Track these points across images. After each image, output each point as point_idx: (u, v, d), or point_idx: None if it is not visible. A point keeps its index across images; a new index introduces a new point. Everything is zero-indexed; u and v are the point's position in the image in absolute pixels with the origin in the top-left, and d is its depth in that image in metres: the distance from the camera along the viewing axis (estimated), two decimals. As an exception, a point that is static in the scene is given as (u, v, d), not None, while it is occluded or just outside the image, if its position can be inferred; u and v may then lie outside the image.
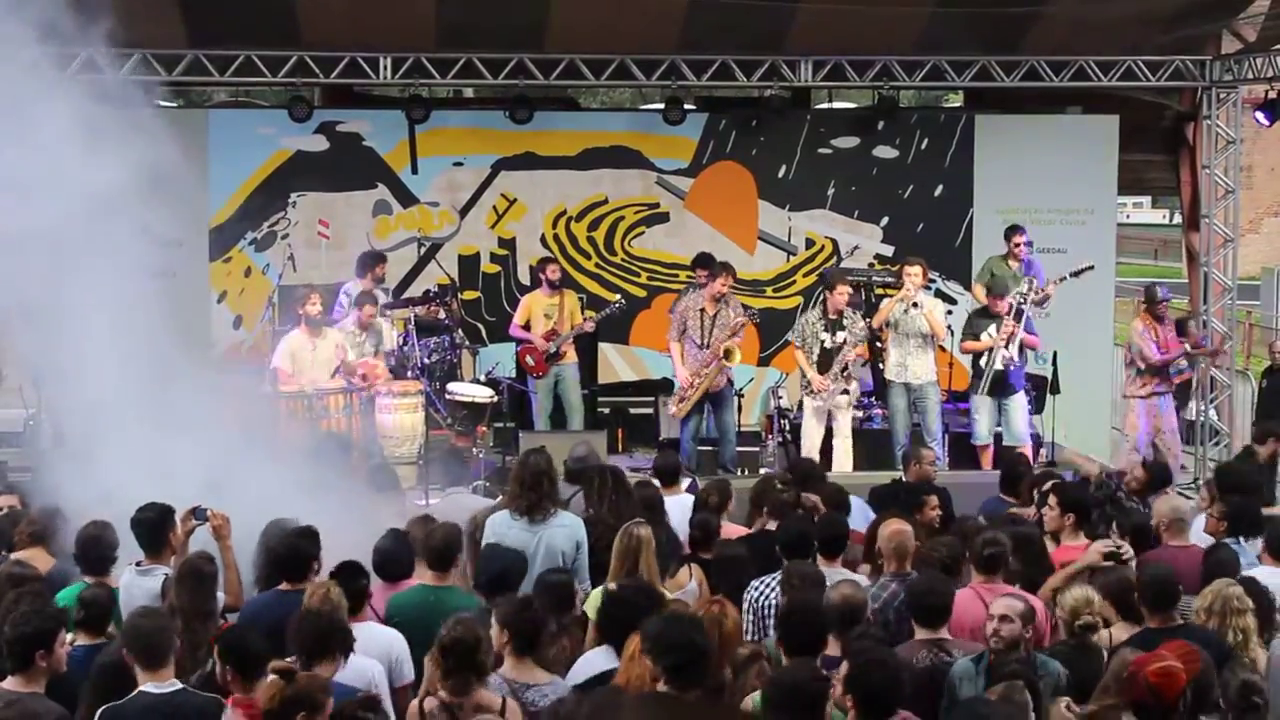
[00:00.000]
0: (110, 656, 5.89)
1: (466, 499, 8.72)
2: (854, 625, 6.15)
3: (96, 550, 6.91)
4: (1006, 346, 12.24)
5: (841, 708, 5.35)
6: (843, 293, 12.29)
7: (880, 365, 13.35)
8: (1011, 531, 7.54)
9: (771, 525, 8.07)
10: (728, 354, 12.27)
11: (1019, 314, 12.34)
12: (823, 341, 12.18)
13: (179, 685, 5.51)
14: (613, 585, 6.74)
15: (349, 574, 6.57)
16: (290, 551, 6.74)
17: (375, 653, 6.23)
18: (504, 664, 5.86)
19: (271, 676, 5.28)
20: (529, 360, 13.44)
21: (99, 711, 5.47)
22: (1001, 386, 12.38)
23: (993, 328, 12.35)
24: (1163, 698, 5.10)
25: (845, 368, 12.19)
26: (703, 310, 12.36)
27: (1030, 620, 6.15)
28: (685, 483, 9.80)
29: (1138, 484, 9.40)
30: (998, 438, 12.55)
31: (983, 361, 12.42)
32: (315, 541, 6.80)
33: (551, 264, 13.69)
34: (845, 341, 12.17)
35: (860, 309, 13.60)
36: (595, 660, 6.14)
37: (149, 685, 5.48)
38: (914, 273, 12.48)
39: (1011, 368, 12.33)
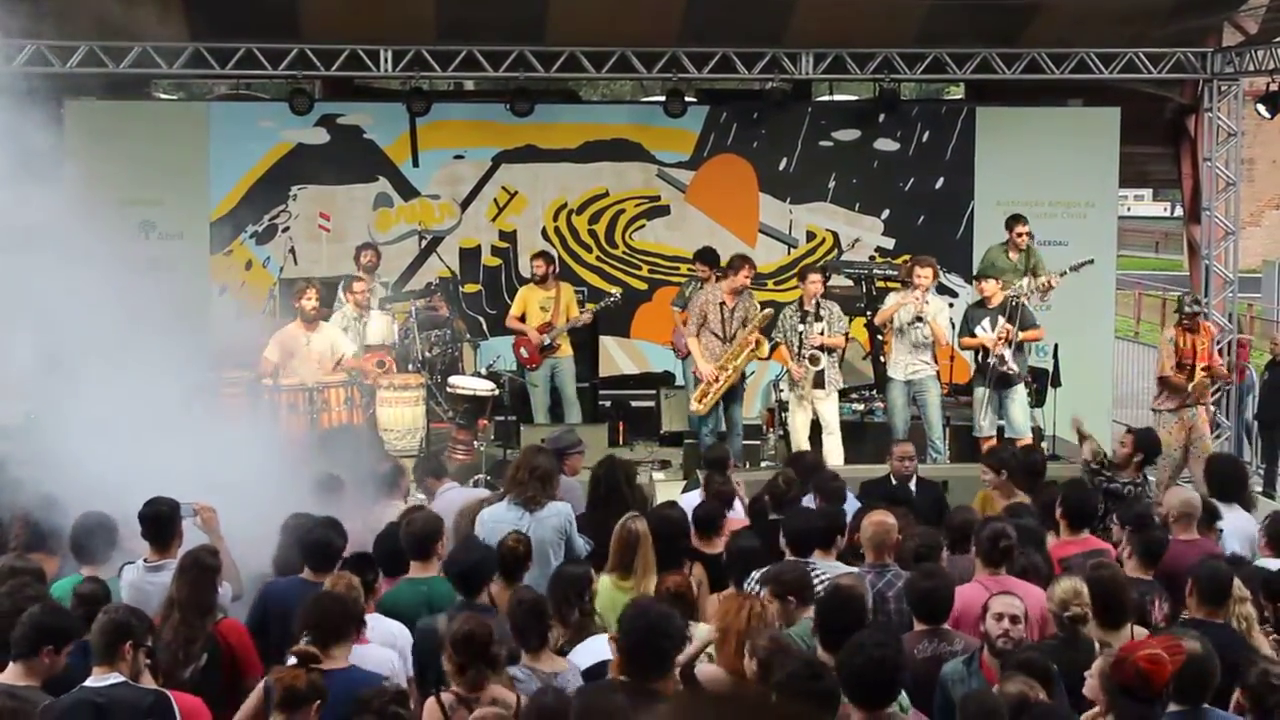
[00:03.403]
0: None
1: (461, 493, 8.75)
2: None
3: (90, 540, 6.92)
4: (1008, 345, 12.15)
5: None
6: (814, 281, 12.23)
7: (881, 359, 13.33)
8: (1014, 524, 7.56)
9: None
10: (757, 344, 12.20)
11: (1013, 313, 12.22)
12: (800, 333, 12.12)
13: (120, 679, 5.48)
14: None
15: (361, 565, 6.63)
16: (318, 542, 6.80)
17: (385, 644, 6.28)
18: (522, 657, 5.89)
19: (292, 660, 5.31)
20: (523, 352, 13.44)
21: (39, 708, 5.47)
22: (1001, 379, 12.34)
23: (986, 321, 12.29)
24: (1151, 684, 5.13)
25: (812, 355, 12.07)
26: (723, 303, 12.26)
27: (1026, 615, 6.17)
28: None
29: (1125, 456, 9.43)
30: (1001, 431, 12.50)
31: (978, 356, 12.36)
32: (342, 533, 6.89)
33: (538, 259, 13.65)
34: (822, 331, 12.10)
35: (861, 302, 13.59)
36: (596, 647, 6.18)
37: (91, 679, 5.50)
38: (924, 275, 12.25)
39: (1010, 371, 12.22)
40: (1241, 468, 9.57)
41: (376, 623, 6.40)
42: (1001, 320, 12.17)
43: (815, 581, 6.80)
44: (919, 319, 12.27)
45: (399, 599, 6.90)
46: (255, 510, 7.32)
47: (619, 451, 12.29)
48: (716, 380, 12.21)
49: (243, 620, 6.66)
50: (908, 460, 9.86)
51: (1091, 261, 13.46)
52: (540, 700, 5.39)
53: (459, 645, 5.58)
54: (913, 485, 9.76)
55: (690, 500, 8.76)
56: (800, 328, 12.11)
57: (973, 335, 12.37)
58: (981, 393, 12.35)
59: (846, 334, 12.53)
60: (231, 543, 7.03)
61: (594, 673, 5.98)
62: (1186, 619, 6.42)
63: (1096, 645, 6.02)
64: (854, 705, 5.24)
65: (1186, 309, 12.49)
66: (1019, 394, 12.38)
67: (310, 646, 5.51)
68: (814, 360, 12.03)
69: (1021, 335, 12.27)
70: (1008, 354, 12.15)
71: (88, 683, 5.49)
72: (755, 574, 6.90)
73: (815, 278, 12.33)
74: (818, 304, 12.17)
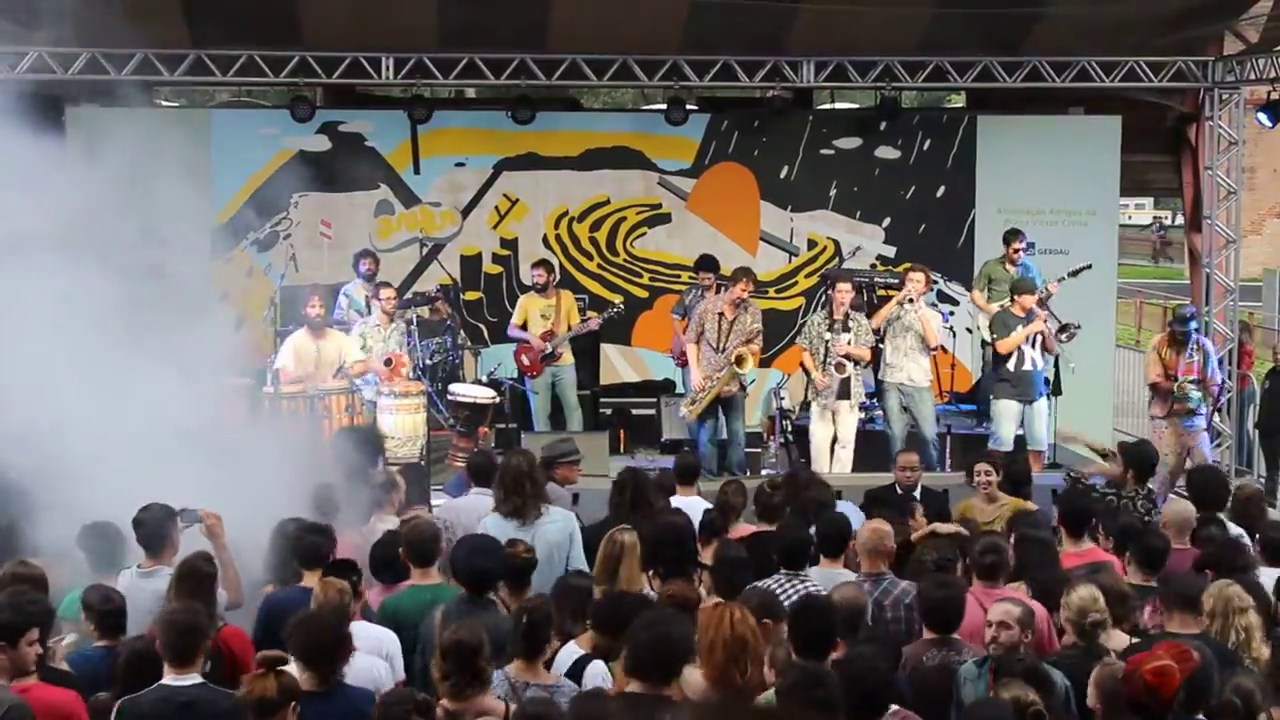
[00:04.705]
0: (140, 645, 5.89)
1: (472, 499, 8.74)
2: (855, 628, 6.16)
3: (98, 547, 6.93)
4: (1033, 346, 12.24)
5: None
6: (844, 291, 12.24)
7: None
8: (1026, 534, 7.56)
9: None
10: (739, 360, 12.19)
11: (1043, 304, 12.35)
12: (827, 342, 12.13)
13: (199, 680, 5.59)
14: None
15: (344, 569, 6.62)
16: (300, 544, 6.87)
17: (370, 651, 6.24)
18: (511, 663, 5.86)
19: (260, 670, 5.30)
20: (524, 360, 13.46)
21: (118, 702, 5.53)
22: (1029, 390, 12.34)
23: (1020, 326, 12.32)
24: (1160, 696, 5.12)
25: (839, 362, 12.08)
26: (721, 314, 12.27)
27: (1028, 624, 6.15)
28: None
29: (1119, 473, 9.49)
30: (1020, 441, 12.46)
31: (1011, 364, 12.33)
32: (320, 531, 6.92)
33: (539, 268, 13.66)
34: (849, 342, 12.11)
35: (862, 309, 13.59)
36: (571, 649, 6.19)
37: (169, 678, 5.58)
38: (916, 278, 12.48)
39: (1036, 368, 12.29)
40: (1222, 479, 9.59)
41: (364, 630, 6.39)
42: (1039, 311, 12.26)
43: (807, 591, 6.77)
44: (910, 300, 12.31)
45: (401, 605, 6.88)
46: (255, 517, 7.31)
47: (620, 460, 12.29)
48: (703, 390, 12.23)
49: (249, 631, 6.65)
50: (909, 470, 9.84)
51: (1089, 267, 13.49)
52: (530, 709, 5.36)
53: (447, 652, 5.54)
54: (917, 495, 9.75)
55: (686, 506, 8.74)
56: (827, 336, 12.10)
57: (1009, 337, 12.35)
58: (1005, 405, 12.32)
59: (872, 347, 12.51)
60: (233, 550, 7.03)
61: (574, 671, 5.98)
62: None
63: (1112, 654, 6.02)
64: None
65: (1177, 327, 12.41)
66: (1042, 406, 12.40)
67: (278, 652, 5.49)
68: (840, 368, 12.04)
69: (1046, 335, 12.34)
70: (1039, 353, 12.23)
71: (166, 680, 5.56)
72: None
73: (845, 287, 12.30)
74: (847, 315, 12.16)
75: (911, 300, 12.38)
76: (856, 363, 12.21)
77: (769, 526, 8.03)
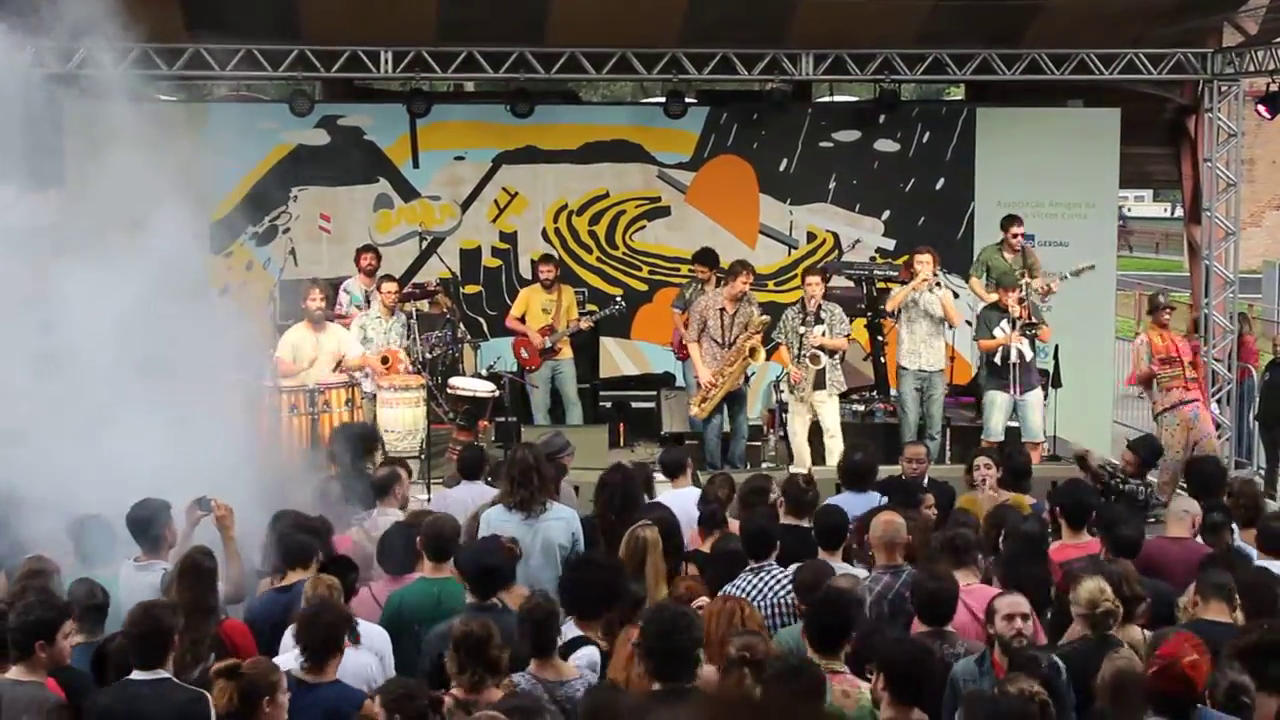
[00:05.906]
0: (121, 645, 5.89)
1: (469, 491, 8.73)
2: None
3: (91, 542, 6.93)
4: (1024, 337, 12.21)
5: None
6: (813, 284, 12.24)
7: (881, 359, 13.31)
8: (1019, 529, 7.56)
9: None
10: (753, 352, 12.20)
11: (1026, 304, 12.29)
12: (801, 335, 12.14)
13: (165, 675, 5.55)
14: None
15: (340, 567, 6.62)
16: (285, 543, 6.84)
17: (363, 647, 6.26)
18: (530, 664, 5.83)
19: (218, 681, 5.29)
20: (523, 353, 13.46)
21: (86, 698, 5.54)
22: (1021, 382, 12.31)
23: (1004, 323, 12.28)
24: (1193, 689, 5.17)
25: (812, 354, 12.06)
26: (722, 309, 12.29)
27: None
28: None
29: (1130, 466, 9.52)
30: (1012, 433, 12.44)
31: (997, 359, 12.30)
32: (317, 535, 6.88)
33: (546, 264, 13.67)
34: (822, 333, 12.11)
35: (862, 303, 13.59)
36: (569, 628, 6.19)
37: (136, 674, 5.57)
38: (924, 260, 12.45)
39: (1025, 359, 12.27)
40: (1221, 470, 9.64)
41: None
42: (1012, 304, 12.17)
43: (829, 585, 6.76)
44: (937, 285, 12.29)
45: (406, 598, 6.87)
46: (255, 511, 7.32)
47: (619, 454, 12.29)
48: (714, 386, 12.23)
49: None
50: (916, 462, 9.80)
51: (1093, 267, 13.47)
52: (510, 703, 5.35)
53: (459, 644, 5.57)
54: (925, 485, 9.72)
55: (683, 497, 8.75)
56: (800, 329, 12.12)
57: (992, 336, 12.34)
58: (995, 395, 12.31)
59: (848, 336, 12.52)
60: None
61: (564, 653, 5.98)
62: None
63: (1125, 645, 6.01)
64: (892, 697, 5.35)
65: (1163, 302, 12.47)
66: (1035, 397, 12.37)
67: (232, 661, 5.50)
68: (814, 359, 12.04)
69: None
70: (1026, 347, 12.18)
71: (133, 675, 5.56)
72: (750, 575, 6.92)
73: (814, 280, 12.34)
74: (819, 306, 12.17)
75: (936, 286, 12.34)
76: (832, 354, 12.21)
77: (798, 520, 7.99)
